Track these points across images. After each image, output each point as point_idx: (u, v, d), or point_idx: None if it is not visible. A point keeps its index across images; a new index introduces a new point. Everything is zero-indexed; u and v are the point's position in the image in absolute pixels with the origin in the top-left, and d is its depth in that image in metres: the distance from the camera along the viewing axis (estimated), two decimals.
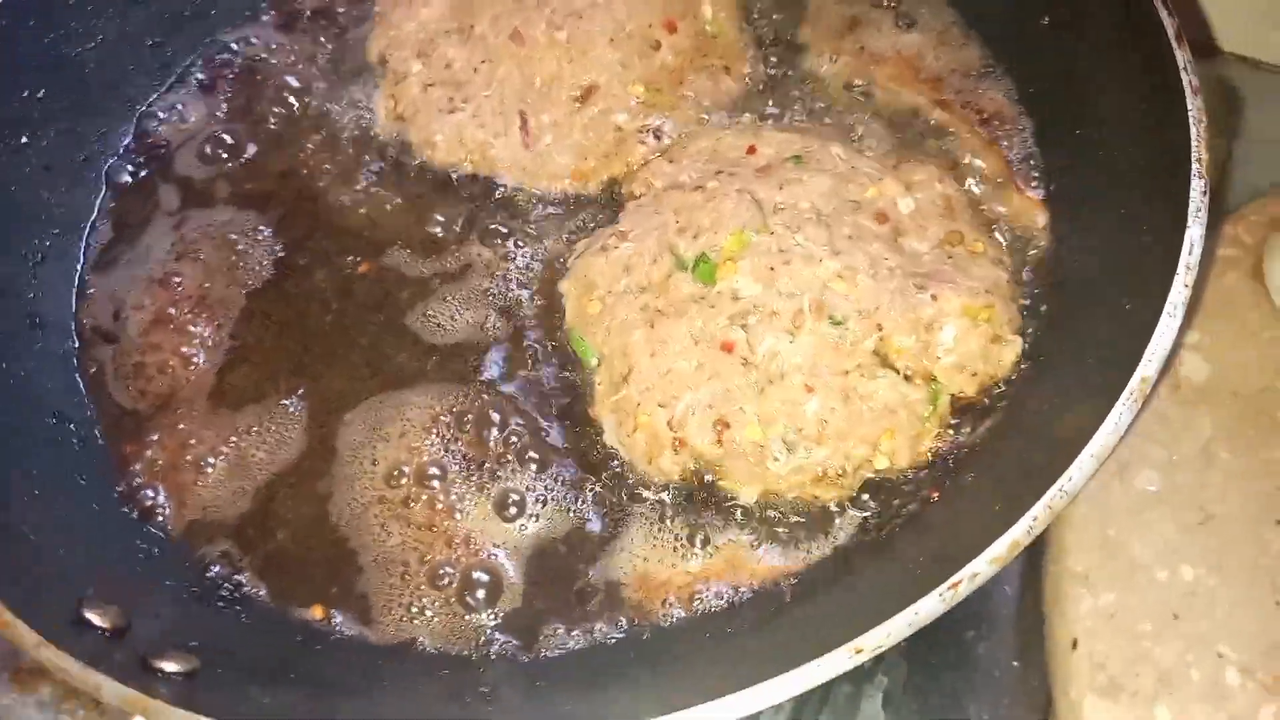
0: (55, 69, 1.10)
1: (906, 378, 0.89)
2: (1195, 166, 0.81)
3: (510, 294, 1.03)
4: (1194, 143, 0.83)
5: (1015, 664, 1.07)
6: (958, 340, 0.89)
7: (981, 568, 0.67)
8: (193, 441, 0.97)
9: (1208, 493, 1.02)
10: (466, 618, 0.87)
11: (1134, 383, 0.73)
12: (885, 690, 1.07)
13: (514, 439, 0.94)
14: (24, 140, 1.07)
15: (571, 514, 0.91)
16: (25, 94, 1.07)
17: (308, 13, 1.25)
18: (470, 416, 0.96)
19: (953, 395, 0.90)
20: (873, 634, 0.65)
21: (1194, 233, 0.79)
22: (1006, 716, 1.03)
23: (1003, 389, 0.91)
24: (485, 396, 0.97)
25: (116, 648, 0.74)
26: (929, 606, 0.66)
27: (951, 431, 0.90)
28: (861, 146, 1.04)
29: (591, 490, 0.91)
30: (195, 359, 1.02)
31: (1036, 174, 1.03)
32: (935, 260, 0.93)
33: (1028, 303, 0.95)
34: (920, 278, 0.91)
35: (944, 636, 1.07)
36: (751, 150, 1.02)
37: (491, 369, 0.99)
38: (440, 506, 0.91)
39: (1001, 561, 0.68)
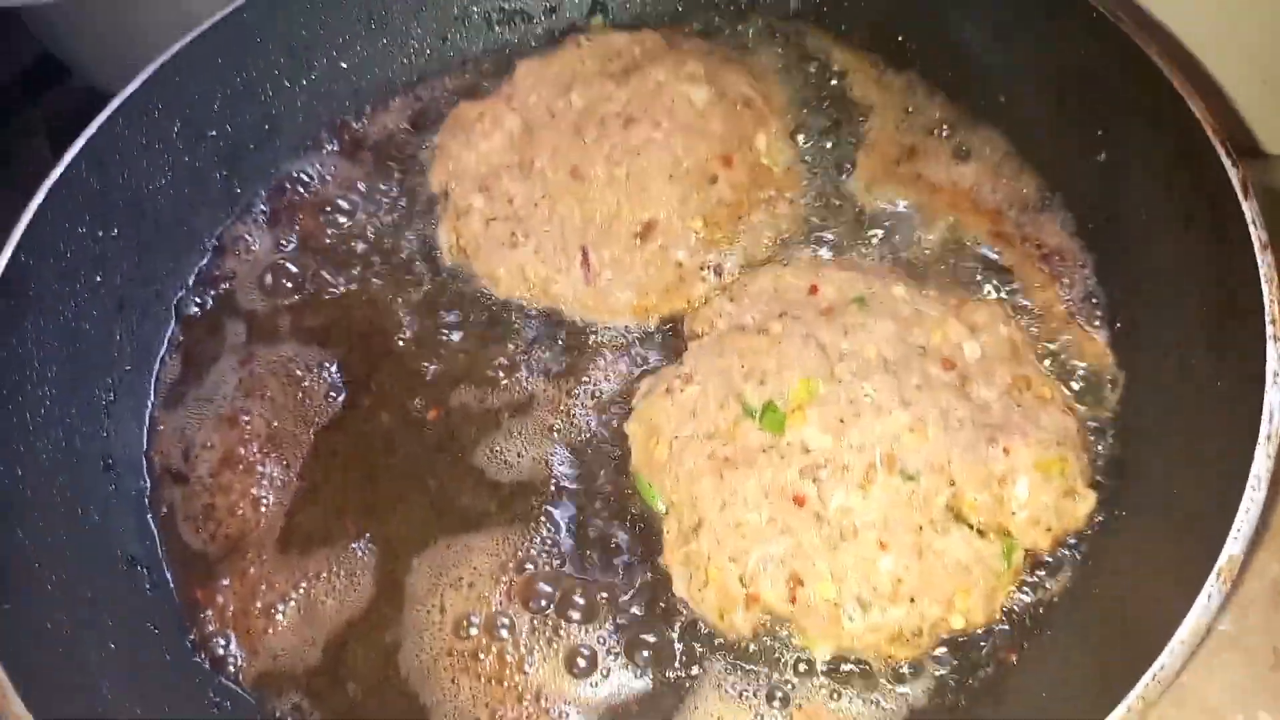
0: (126, 206, 1.13)
1: (980, 533, 0.88)
2: (1270, 329, 0.81)
3: (574, 431, 1.04)
4: (1267, 302, 0.83)
5: None
6: (1031, 495, 0.88)
7: None
8: (262, 587, 0.97)
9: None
10: None
11: (1222, 561, 0.72)
12: None
13: (581, 588, 0.94)
14: (98, 278, 1.10)
15: (642, 670, 0.90)
16: (100, 233, 1.10)
17: (369, 143, 1.29)
18: (536, 564, 0.96)
19: (1026, 550, 0.89)
20: None
21: (1273, 398, 0.78)
22: None
23: (1077, 542, 0.90)
24: (551, 542, 0.97)
25: None
26: None
27: (1027, 588, 0.89)
28: (922, 284, 1.05)
29: (662, 644, 0.91)
30: (264, 500, 1.03)
31: (1100, 312, 1.03)
32: (1004, 409, 0.93)
33: (1100, 450, 0.95)
34: (991, 429, 0.91)
35: None
36: (813, 290, 1.03)
37: (557, 511, 0.99)
38: (510, 660, 0.91)
39: None
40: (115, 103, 1.11)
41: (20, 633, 0.81)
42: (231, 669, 0.94)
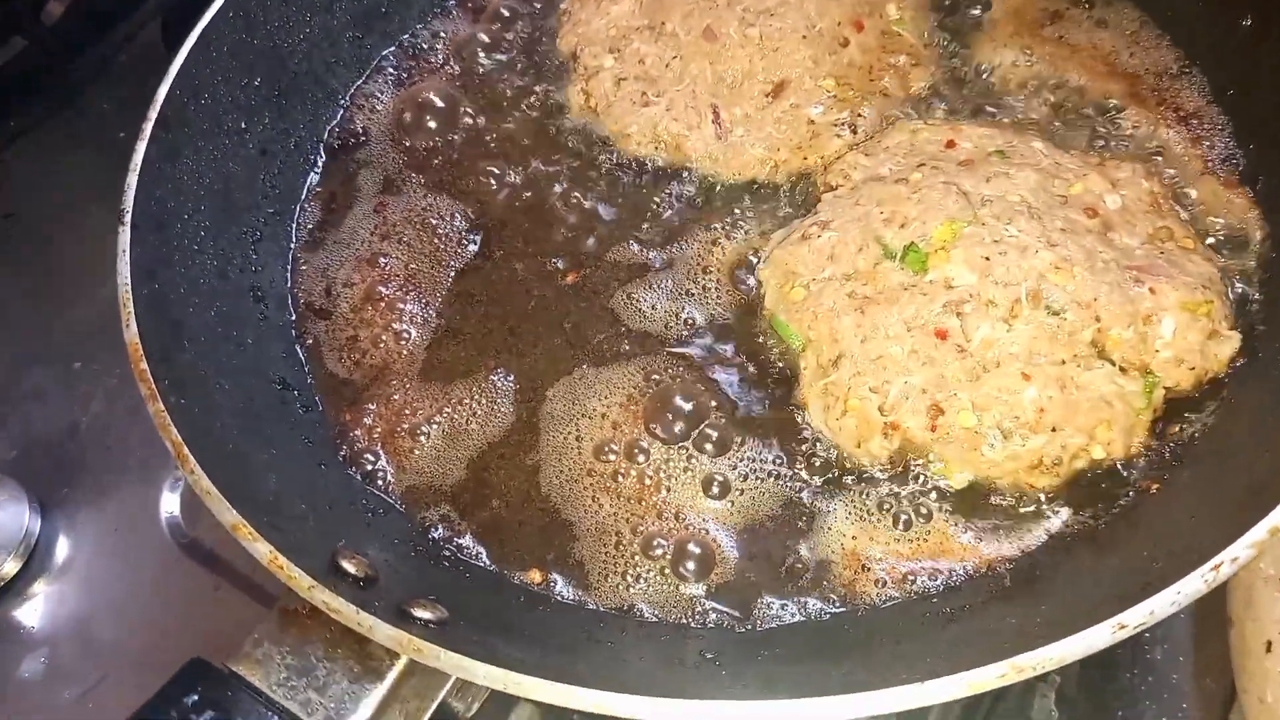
0: (268, 60, 1.17)
1: (1122, 369, 0.89)
2: None
3: (705, 278, 1.06)
4: None
5: (1194, 668, 1.06)
6: (1176, 334, 0.89)
7: (1241, 552, 0.67)
8: (407, 412, 1.01)
9: None
10: (681, 588, 0.89)
11: None
12: (1059, 689, 1.06)
13: (716, 418, 0.97)
14: (243, 125, 1.14)
15: (778, 493, 0.93)
16: (244, 81, 1.14)
17: (495, 7, 1.31)
18: (672, 396, 0.98)
19: (1168, 388, 0.90)
20: (1136, 610, 0.66)
21: None
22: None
23: (1218, 383, 0.91)
24: (686, 377, 1.00)
25: (373, 595, 0.78)
26: (1191, 586, 0.67)
27: (1165, 424, 0.90)
28: (1059, 143, 1.05)
29: (797, 470, 0.93)
30: (406, 334, 1.07)
31: (1239, 174, 1.03)
32: (1148, 255, 0.93)
33: (1242, 299, 0.95)
34: (1136, 270, 0.91)
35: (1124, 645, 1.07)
36: (951, 144, 1.04)
37: (690, 349, 1.02)
38: (649, 482, 0.94)
39: (1261, 546, 0.68)
40: None
41: (200, 427, 0.86)
42: (381, 482, 0.98)
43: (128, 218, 0.95)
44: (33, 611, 1.23)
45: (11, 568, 1.23)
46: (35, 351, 1.42)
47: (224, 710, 0.73)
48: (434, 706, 0.76)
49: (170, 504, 1.26)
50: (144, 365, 0.86)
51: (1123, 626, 0.65)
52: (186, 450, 0.81)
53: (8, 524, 1.24)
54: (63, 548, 1.26)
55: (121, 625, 1.22)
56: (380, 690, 0.73)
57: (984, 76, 1.14)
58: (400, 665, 0.74)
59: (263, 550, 0.76)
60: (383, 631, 0.71)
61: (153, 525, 1.26)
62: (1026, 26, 1.15)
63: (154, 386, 0.85)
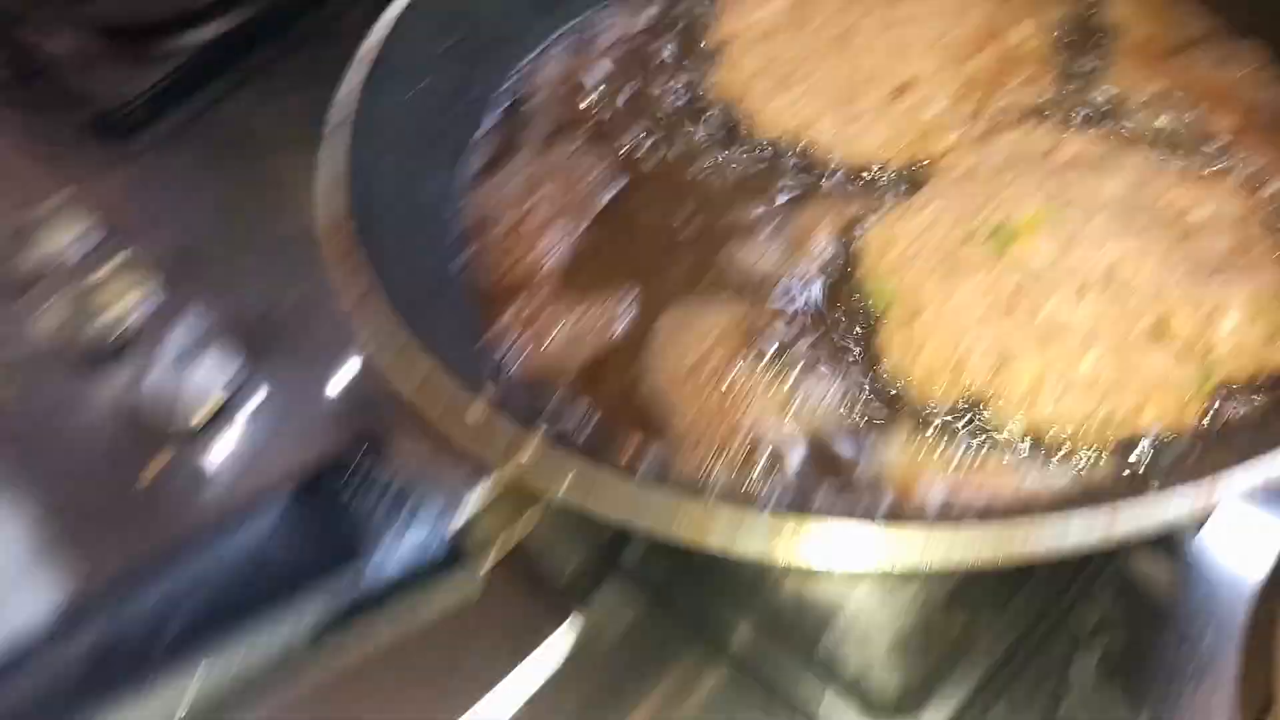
0: (465, 22, 1.38)
1: (1180, 354, 0.97)
2: None
3: (813, 240, 1.19)
4: None
5: (1241, 658, 1.11)
6: (1238, 328, 0.96)
7: None
8: (540, 317, 1.19)
9: None
10: (751, 478, 1.01)
11: None
12: (1104, 652, 1.12)
13: (802, 352, 1.09)
14: (435, 71, 1.34)
15: (847, 419, 1.04)
16: (442, 38, 1.35)
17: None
18: (769, 331, 1.12)
19: (1222, 380, 0.97)
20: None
21: None
22: (1223, 704, 1.07)
23: (1275, 381, 0.98)
24: (783, 317, 1.13)
25: None
26: None
27: (1216, 408, 0.97)
28: (1164, 159, 1.14)
29: (868, 401, 1.05)
30: (547, 258, 1.24)
31: None
32: (1225, 259, 1.01)
33: None
34: (1209, 269, 0.99)
35: (1173, 623, 1.13)
36: (1054, 151, 1.14)
37: (790, 297, 1.14)
38: (736, 396, 1.08)
39: None
40: None
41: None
42: (509, 371, 1.15)
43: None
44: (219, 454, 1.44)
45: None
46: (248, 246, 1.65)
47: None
48: None
49: (334, 387, 1.48)
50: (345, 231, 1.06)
51: None
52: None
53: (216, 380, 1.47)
54: (253, 404, 1.47)
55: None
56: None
57: (1101, 97, 1.24)
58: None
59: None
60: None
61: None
62: (1151, 58, 1.24)
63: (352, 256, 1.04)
